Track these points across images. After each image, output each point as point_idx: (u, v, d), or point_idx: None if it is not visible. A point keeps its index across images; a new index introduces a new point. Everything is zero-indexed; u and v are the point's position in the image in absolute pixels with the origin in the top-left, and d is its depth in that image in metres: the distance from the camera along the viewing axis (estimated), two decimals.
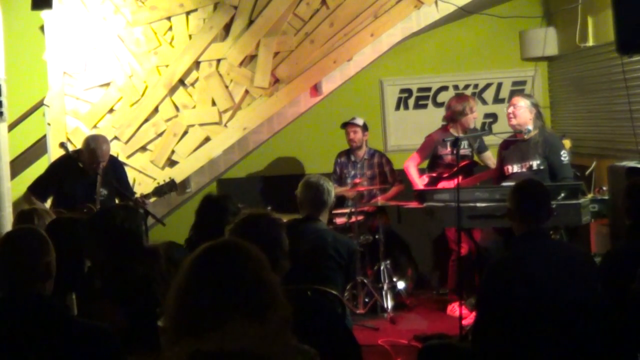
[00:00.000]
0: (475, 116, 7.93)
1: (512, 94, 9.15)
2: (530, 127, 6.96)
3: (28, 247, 3.31)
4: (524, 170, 7.00)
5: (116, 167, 7.44)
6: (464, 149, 7.92)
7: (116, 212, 4.78)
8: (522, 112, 6.99)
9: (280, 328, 2.24)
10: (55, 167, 7.32)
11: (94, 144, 7.06)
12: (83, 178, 7.08)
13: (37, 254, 3.30)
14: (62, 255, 4.26)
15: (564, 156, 6.96)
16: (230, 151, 8.31)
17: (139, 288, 4.44)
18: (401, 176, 8.47)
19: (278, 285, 2.31)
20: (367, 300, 7.67)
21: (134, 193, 7.38)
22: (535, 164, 6.95)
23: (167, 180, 7.32)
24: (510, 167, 7.11)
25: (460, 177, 7.16)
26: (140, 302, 4.38)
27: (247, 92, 8.21)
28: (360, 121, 8.50)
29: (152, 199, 7.39)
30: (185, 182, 8.17)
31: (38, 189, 7.16)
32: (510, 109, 7.08)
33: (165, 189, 7.23)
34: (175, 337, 2.22)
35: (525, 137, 7.00)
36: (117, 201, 7.20)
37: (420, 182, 7.82)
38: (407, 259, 8.47)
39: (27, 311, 3.19)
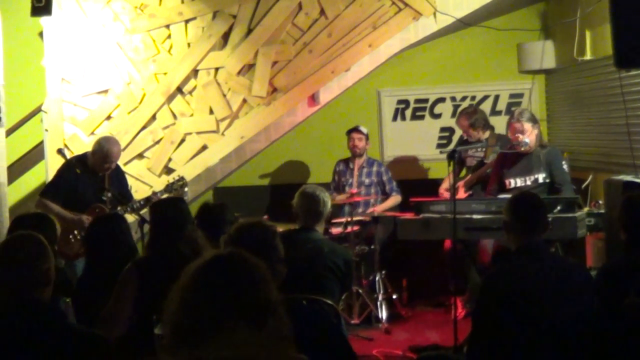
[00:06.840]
0: (463, 129, 8.32)
1: (510, 106, 9.19)
2: (527, 139, 6.95)
3: (27, 253, 3.31)
4: (529, 183, 6.99)
5: (119, 171, 7.51)
6: (477, 152, 8.18)
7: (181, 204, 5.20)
8: (533, 138, 6.98)
9: (279, 338, 2.25)
10: (67, 170, 7.32)
11: (107, 145, 7.15)
12: (91, 180, 7.15)
13: (36, 261, 3.30)
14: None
15: (565, 165, 7.12)
16: (227, 160, 8.31)
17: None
18: (400, 187, 8.54)
19: (279, 299, 2.33)
20: (361, 310, 7.66)
21: (132, 197, 7.43)
22: (541, 177, 6.95)
23: (177, 177, 7.38)
24: (512, 181, 7.09)
25: (461, 186, 7.93)
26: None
27: (244, 101, 8.22)
28: (364, 130, 8.59)
29: (164, 196, 7.38)
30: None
31: (52, 192, 7.16)
32: (521, 137, 6.97)
33: (176, 186, 7.28)
34: (174, 343, 2.23)
35: (523, 149, 6.98)
36: None
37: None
38: (403, 269, 8.49)
39: (25, 317, 3.19)
